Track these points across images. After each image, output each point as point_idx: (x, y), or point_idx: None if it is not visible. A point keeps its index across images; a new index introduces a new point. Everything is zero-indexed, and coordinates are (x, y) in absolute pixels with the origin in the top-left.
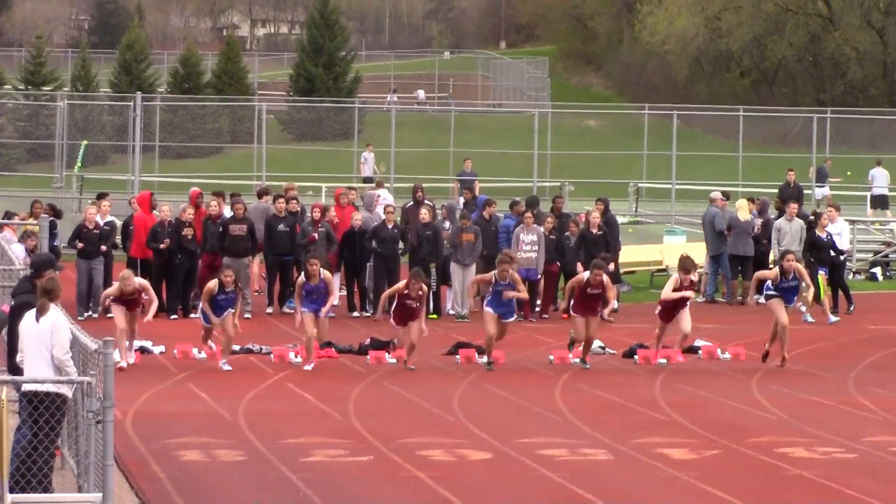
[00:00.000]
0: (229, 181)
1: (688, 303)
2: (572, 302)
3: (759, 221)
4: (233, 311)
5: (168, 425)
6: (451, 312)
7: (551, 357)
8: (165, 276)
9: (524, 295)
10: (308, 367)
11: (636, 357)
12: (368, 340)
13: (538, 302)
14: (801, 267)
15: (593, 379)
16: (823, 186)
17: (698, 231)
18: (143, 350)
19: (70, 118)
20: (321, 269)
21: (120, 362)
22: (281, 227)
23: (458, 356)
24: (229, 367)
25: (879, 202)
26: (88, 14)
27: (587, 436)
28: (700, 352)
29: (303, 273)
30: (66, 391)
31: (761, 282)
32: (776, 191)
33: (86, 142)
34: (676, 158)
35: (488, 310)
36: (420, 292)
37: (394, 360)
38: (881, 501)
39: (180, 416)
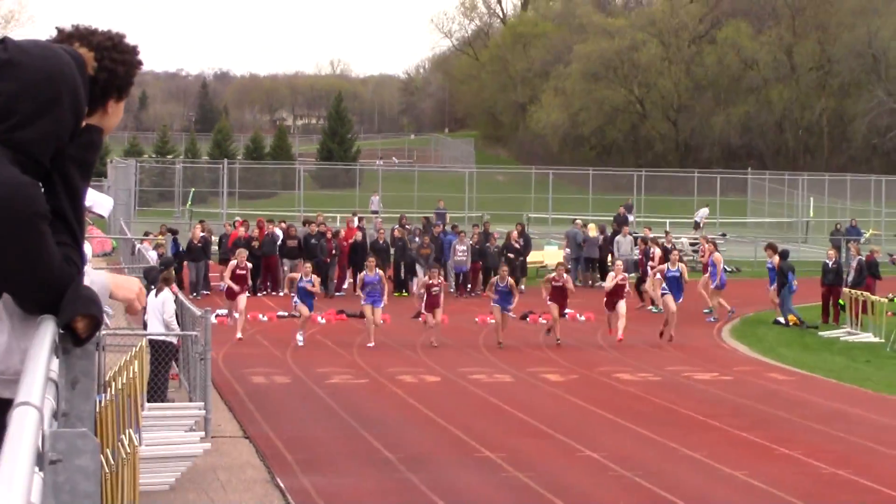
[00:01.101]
0: (280, 213)
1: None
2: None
3: (601, 237)
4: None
5: (244, 361)
6: (415, 292)
7: (476, 319)
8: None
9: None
10: (371, 345)
11: (528, 318)
12: None
13: (468, 286)
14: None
15: (502, 332)
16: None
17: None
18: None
19: (184, 175)
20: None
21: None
22: (313, 241)
23: (420, 318)
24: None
25: (696, 226)
26: (195, 110)
27: (498, 366)
28: (567, 315)
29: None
30: (173, 340)
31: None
32: (612, 219)
33: (193, 189)
34: (552, 200)
35: (495, 305)
36: (440, 279)
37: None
38: (678, 406)
39: (252, 356)
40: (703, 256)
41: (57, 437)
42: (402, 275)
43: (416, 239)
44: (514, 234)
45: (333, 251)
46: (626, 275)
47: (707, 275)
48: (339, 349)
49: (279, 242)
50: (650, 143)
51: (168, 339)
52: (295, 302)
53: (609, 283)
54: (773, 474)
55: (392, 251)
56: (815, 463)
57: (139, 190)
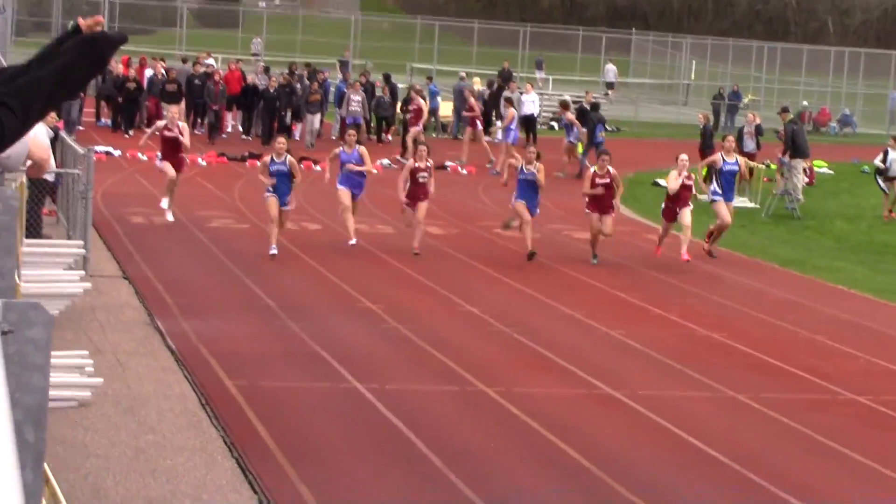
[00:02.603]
0: (161, 51)
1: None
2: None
3: (487, 91)
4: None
5: (124, 201)
6: (298, 138)
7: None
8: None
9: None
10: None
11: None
12: (248, 152)
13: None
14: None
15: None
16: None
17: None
18: (108, 153)
19: (62, 6)
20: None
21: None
22: (197, 81)
23: (301, 164)
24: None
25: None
26: None
27: (380, 217)
28: (448, 169)
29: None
30: (49, 177)
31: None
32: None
33: (73, 22)
34: (438, 52)
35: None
36: (428, 162)
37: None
38: (557, 264)
39: (131, 195)
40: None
41: (8, 307)
42: (288, 121)
43: (298, 85)
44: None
45: (219, 96)
46: (690, 172)
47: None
48: (220, 192)
49: (159, 86)
50: None
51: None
52: (159, 159)
53: (672, 183)
54: (649, 335)
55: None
56: (689, 325)
57: (17, 19)
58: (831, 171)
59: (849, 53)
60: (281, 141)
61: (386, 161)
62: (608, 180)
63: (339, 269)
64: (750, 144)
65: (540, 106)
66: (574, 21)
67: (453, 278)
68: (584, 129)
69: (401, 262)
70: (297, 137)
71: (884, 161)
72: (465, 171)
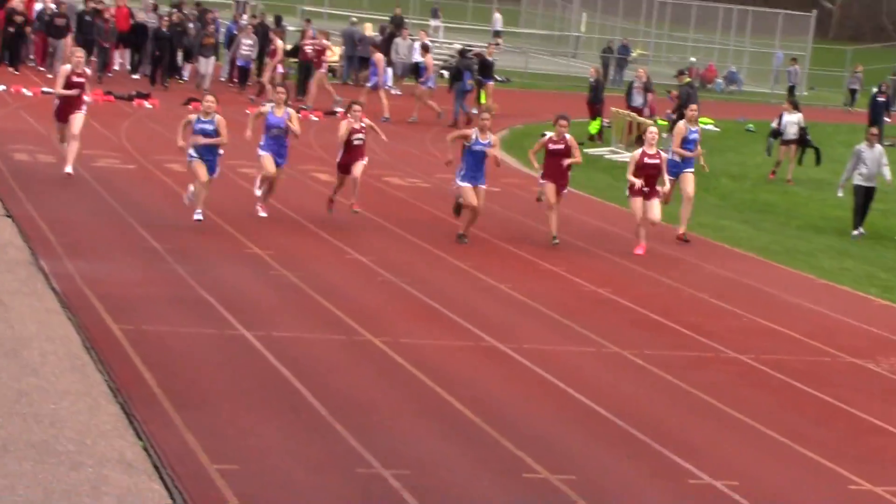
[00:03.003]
0: None
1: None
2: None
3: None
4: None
5: (7, 138)
6: (187, 80)
7: (247, 111)
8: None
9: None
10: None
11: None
12: (135, 92)
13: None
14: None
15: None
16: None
17: None
18: None
19: None
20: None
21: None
22: (87, 18)
23: (190, 105)
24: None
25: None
26: None
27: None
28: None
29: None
30: None
31: None
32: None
33: None
34: None
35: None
36: (363, 122)
37: (150, 106)
38: (447, 214)
39: (14, 131)
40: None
41: None
42: (180, 61)
43: (191, 25)
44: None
45: (109, 34)
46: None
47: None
48: (106, 132)
49: (47, 19)
50: None
51: None
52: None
53: (633, 163)
54: (536, 289)
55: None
56: (577, 280)
57: None
58: (717, 129)
59: (737, 11)
60: (210, 99)
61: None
62: (562, 146)
63: (227, 215)
64: (638, 100)
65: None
66: None
67: (340, 225)
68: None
69: (289, 208)
70: (187, 79)
71: (778, 124)
72: (315, 118)
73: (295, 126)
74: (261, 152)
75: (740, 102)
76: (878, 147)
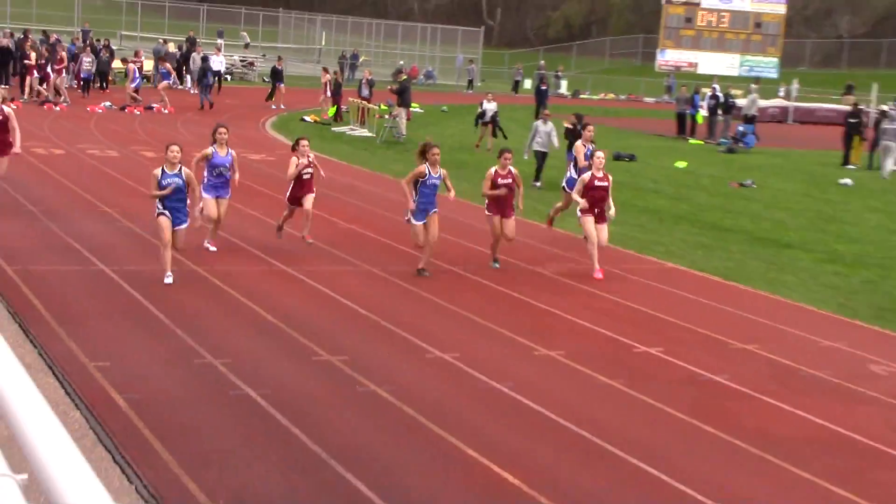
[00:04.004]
0: None
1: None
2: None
3: (179, 52)
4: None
5: None
6: (45, 90)
7: (87, 108)
8: None
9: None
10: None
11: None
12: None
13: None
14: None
15: (116, 120)
16: None
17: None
18: None
19: None
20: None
21: None
22: None
23: (45, 107)
24: None
25: (246, 45)
26: None
27: (107, 143)
28: (154, 109)
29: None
30: None
31: None
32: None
33: None
34: (141, 23)
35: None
36: (310, 156)
37: (58, 109)
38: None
39: None
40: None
41: None
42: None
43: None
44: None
45: None
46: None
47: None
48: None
49: None
50: None
51: None
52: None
53: (581, 185)
54: (313, 229)
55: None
56: (335, 220)
57: None
58: (422, 111)
59: (430, 28)
60: (174, 149)
61: (108, 103)
62: (510, 180)
63: (81, 182)
64: (365, 91)
65: (225, 65)
66: (239, 1)
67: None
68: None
69: (125, 176)
70: (45, 89)
71: (481, 106)
72: (166, 111)
73: (235, 170)
74: (204, 195)
75: (436, 92)
76: (550, 123)
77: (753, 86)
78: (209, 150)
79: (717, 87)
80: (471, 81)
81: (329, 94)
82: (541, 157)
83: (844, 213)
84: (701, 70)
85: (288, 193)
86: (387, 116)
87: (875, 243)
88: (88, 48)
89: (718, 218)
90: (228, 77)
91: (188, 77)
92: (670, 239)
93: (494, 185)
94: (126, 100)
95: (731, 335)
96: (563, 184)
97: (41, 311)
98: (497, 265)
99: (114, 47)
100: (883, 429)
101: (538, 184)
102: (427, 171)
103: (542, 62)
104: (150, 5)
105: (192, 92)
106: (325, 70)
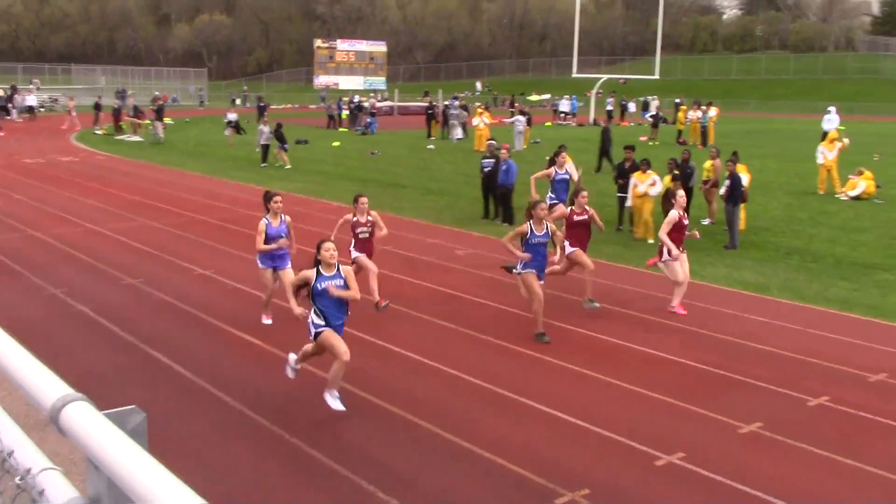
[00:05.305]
0: None
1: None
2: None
3: None
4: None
5: None
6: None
7: None
8: None
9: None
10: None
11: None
12: None
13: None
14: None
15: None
16: None
17: None
18: None
19: None
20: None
21: None
22: None
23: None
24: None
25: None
26: None
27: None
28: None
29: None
30: None
31: None
32: None
33: None
34: None
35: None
36: (370, 216)
37: None
38: (61, 173)
39: None
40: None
41: None
42: None
43: None
44: None
45: None
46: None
47: None
48: None
49: None
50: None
51: None
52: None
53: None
54: (105, 199)
55: None
56: (123, 195)
57: None
58: (173, 122)
59: (172, 70)
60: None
61: None
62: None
63: None
64: (132, 112)
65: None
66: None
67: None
68: None
69: None
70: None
71: (226, 116)
72: (1, 134)
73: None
74: (261, 265)
75: (180, 110)
76: (268, 126)
77: (372, 95)
78: (262, 223)
79: (356, 97)
80: (202, 102)
81: (75, 115)
82: (264, 148)
83: (432, 165)
84: (342, 87)
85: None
86: (150, 128)
87: (451, 182)
88: None
89: (363, 174)
90: (42, 108)
91: (14, 110)
92: (334, 189)
93: (571, 223)
94: None
95: None
96: None
97: None
98: (596, 305)
99: None
100: None
101: (263, 165)
102: (530, 229)
103: (246, 87)
104: None
105: (17, 120)
106: (71, 98)
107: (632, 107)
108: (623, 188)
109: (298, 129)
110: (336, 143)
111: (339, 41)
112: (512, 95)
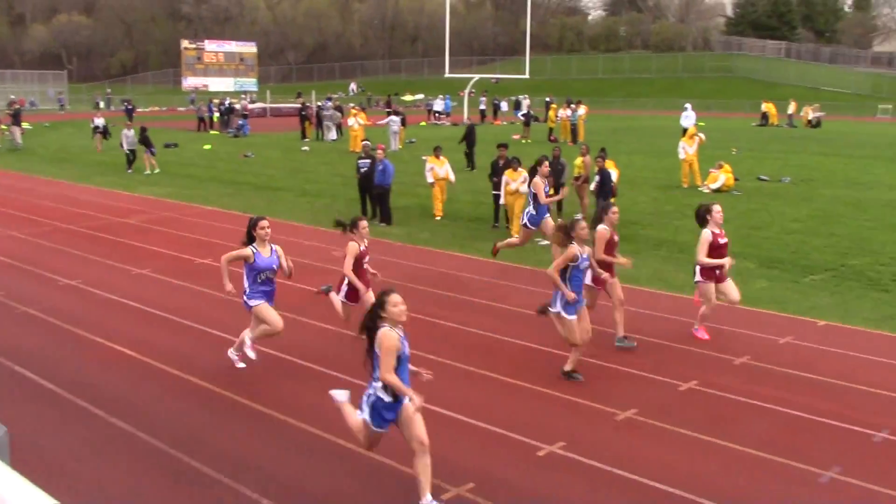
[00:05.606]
0: None
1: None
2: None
3: None
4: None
5: None
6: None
7: None
8: None
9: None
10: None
11: None
12: None
13: None
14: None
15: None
16: None
17: None
18: None
19: None
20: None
21: None
22: None
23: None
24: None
25: None
26: None
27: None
28: None
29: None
30: None
31: None
32: None
33: None
34: None
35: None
36: (366, 239)
37: None
38: None
39: None
40: None
41: None
42: None
43: None
44: None
45: None
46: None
47: None
48: None
49: None
50: None
51: None
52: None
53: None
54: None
55: None
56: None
57: None
58: (31, 127)
59: (30, 73)
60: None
61: None
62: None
63: None
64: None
65: None
66: None
67: None
68: None
69: None
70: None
71: (93, 122)
72: None
73: (287, 262)
74: (254, 302)
75: (39, 114)
76: (133, 130)
77: (244, 96)
78: (247, 250)
79: (227, 99)
80: (62, 105)
81: None
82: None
83: (308, 167)
84: (212, 88)
85: (346, 289)
86: (6, 134)
87: (328, 183)
88: None
89: (236, 177)
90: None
91: None
92: (206, 193)
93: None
94: None
95: None
96: (525, 220)
97: None
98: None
99: None
100: None
101: (130, 171)
102: (578, 253)
103: (109, 90)
104: None
105: None
106: None
107: (504, 106)
108: (497, 186)
109: (167, 132)
110: (207, 146)
111: (206, 42)
112: (388, 96)
